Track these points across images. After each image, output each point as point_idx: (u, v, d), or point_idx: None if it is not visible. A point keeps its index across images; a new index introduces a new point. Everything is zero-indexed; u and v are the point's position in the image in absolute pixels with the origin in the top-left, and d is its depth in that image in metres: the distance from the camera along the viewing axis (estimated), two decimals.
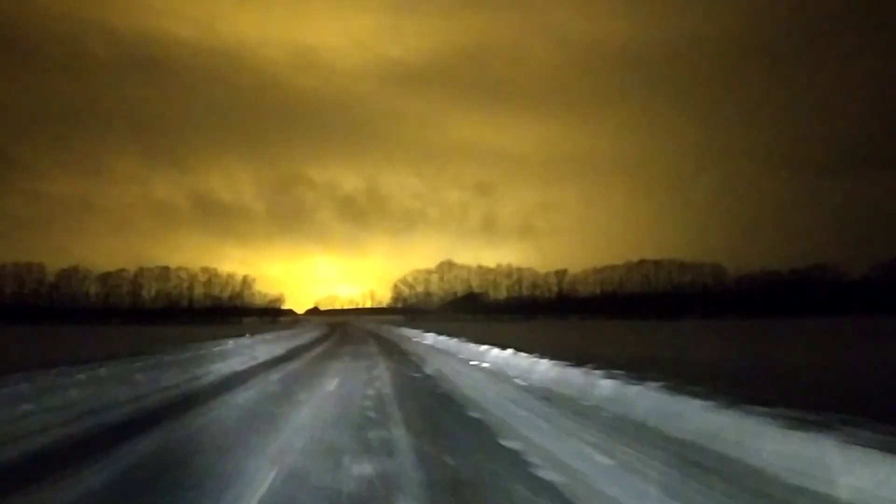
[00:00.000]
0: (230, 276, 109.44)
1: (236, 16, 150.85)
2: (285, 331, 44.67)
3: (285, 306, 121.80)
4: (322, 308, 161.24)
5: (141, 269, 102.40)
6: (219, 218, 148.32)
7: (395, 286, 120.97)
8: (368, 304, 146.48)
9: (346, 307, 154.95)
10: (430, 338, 28.10)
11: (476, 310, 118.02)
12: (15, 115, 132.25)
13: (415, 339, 31.22)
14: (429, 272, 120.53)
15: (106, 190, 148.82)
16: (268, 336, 32.94)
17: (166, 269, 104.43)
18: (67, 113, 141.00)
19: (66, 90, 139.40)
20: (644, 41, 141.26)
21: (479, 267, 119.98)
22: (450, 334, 28.49)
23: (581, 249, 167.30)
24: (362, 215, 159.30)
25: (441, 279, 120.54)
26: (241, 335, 31.74)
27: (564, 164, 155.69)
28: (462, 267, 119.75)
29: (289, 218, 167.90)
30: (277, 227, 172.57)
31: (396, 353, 22.24)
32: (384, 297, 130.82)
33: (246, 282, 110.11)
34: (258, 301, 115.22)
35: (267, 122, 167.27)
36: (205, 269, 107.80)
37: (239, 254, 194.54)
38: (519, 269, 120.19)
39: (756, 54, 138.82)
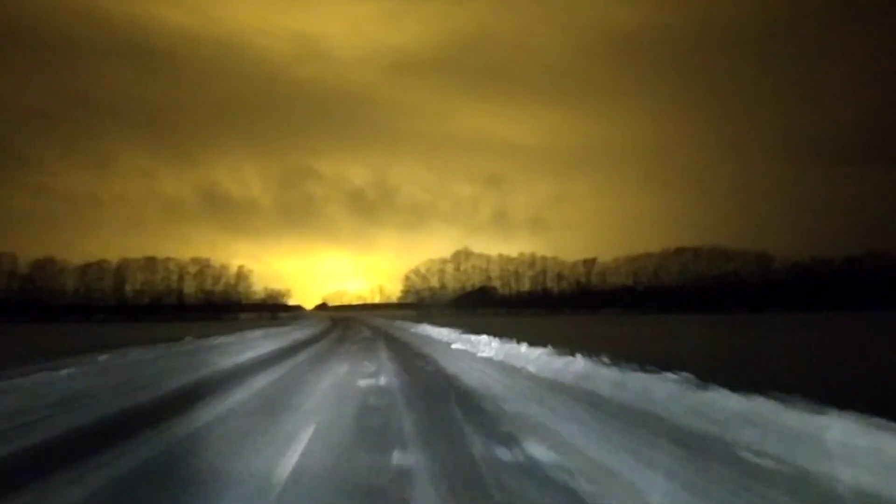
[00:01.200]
0: (224, 266, 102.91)
1: (231, 2, 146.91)
2: (280, 327, 40.11)
3: (292, 301, 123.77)
4: (330, 304, 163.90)
5: (125, 261, 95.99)
6: (227, 212, 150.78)
7: (407, 277, 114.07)
8: (377, 300, 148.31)
9: (354, 302, 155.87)
10: (482, 343, 19.09)
11: (495, 303, 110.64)
12: (17, 109, 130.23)
13: (457, 346, 21.15)
14: (443, 262, 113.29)
15: (113, 185, 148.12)
16: (257, 333, 29.78)
17: (152, 259, 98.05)
18: (69, 106, 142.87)
19: (64, 82, 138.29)
20: (654, 25, 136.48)
21: (500, 256, 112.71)
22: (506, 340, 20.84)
23: (610, 237, 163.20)
24: (371, 209, 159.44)
25: (457, 269, 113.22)
26: (217, 334, 25.63)
27: (578, 154, 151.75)
28: (480, 256, 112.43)
29: (297, 212, 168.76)
30: (285, 221, 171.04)
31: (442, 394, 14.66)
32: (393, 291, 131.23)
33: (241, 273, 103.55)
34: (257, 294, 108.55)
35: (270, 114, 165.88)
36: (195, 260, 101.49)
37: (247, 248, 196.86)
38: (543, 259, 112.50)
39: (782, 36, 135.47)
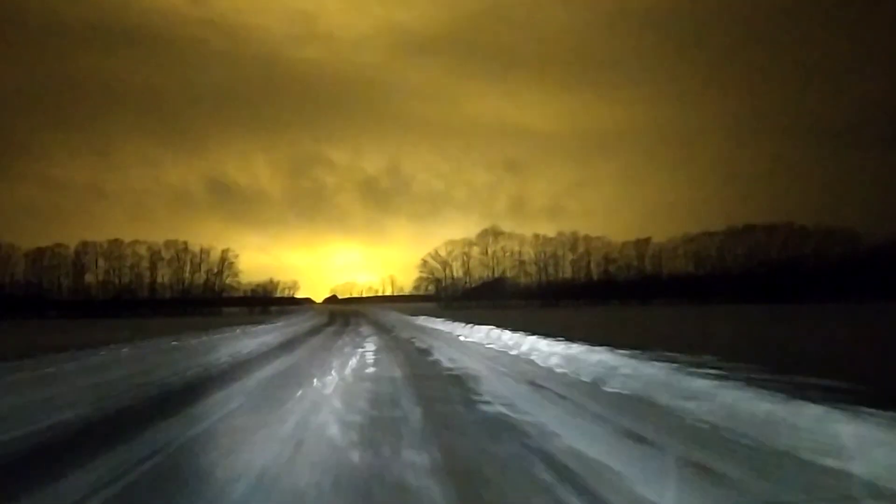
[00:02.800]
0: (204, 251, 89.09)
1: None
2: (260, 326, 33.16)
3: (301, 294, 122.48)
4: (340, 296, 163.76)
5: (83, 245, 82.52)
6: (235, 202, 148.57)
7: (424, 262, 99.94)
8: (389, 291, 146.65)
9: (364, 294, 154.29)
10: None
11: (527, 294, 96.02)
12: (16, 96, 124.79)
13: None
14: (468, 244, 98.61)
15: (118, 174, 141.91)
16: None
17: (117, 243, 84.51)
18: (67, 92, 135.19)
19: (59, 67, 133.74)
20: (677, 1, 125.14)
21: (535, 237, 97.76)
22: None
23: (664, 215, 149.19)
24: (383, 198, 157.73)
25: (483, 252, 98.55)
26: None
27: (600, 138, 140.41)
28: (511, 236, 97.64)
29: (305, 201, 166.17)
30: (294, 211, 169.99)
31: None
32: (406, 283, 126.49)
33: (226, 259, 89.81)
34: (246, 284, 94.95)
35: (274, 99, 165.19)
36: (169, 244, 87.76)
37: (255, 240, 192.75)
38: (587, 238, 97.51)
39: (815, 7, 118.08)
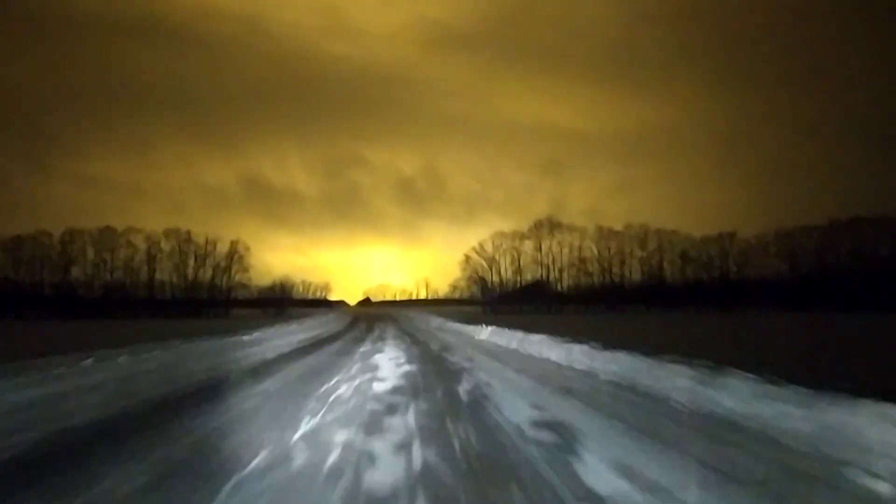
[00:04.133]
0: (210, 242, 78.26)
1: None
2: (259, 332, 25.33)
3: (334, 296, 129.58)
4: (374, 299, 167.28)
5: (70, 234, 72.17)
6: (270, 202, 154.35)
7: (467, 258, 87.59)
8: (423, 295, 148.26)
9: (398, 297, 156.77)
10: None
11: (587, 297, 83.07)
12: (48, 91, 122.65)
13: None
14: (519, 237, 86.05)
15: (153, 172, 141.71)
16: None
17: (109, 231, 73.94)
18: (100, 88, 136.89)
19: (89, 63, 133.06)
20: None
21: (599, 229, 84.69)
22: None
23: (749, 205, 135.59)
24: (419, 199, 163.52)
25: (536, 248, 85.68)
26: None
27: (643, 139, 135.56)
28: (571, 229, 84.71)
29: (341, 202, 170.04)
30: (329, 212, 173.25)
31: None
32: (440, 286, 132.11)
33: (235, 252, 78.75)
34: (259, 281, 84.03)
35: (306, 96, 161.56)
36: (170, 233, 77.05)
37: (291, 241, 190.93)
38: (660, 233, 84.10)
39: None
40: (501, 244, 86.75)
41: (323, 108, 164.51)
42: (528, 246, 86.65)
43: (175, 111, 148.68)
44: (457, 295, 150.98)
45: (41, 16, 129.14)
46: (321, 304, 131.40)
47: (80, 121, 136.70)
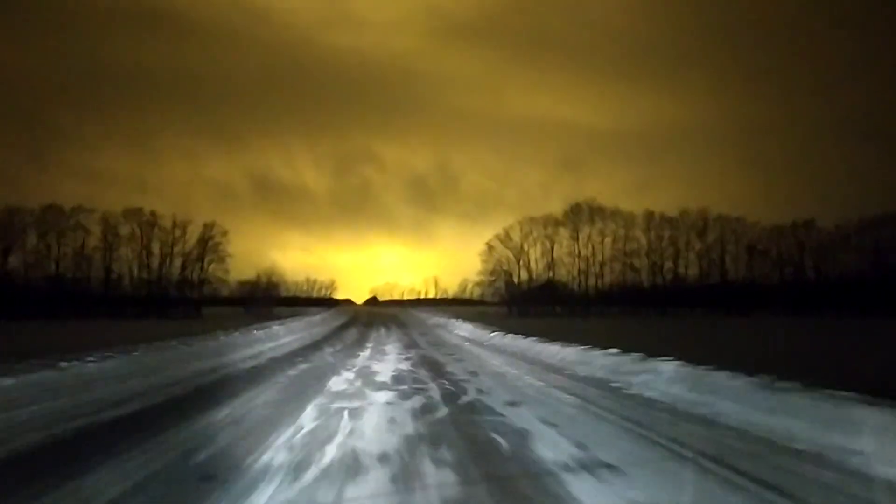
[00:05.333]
0: (179, 225, 65.81)
1: None
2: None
3: (341, 294, 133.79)
4: (381, 298, 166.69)
5: (7, 213, 59.79)
6: (279, 200, 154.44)
7: (489, 249, 74.80)
8: (432, 294, 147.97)
9: (406, 297, 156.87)
10: None
11: (633, 297, 70.31)
12: (49, 84, 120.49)
13: None
14: (551, 223, 73.08)
15: (157, 167, 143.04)
16: None
17: (54, 210, 61.57)
18: (102, 80, 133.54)
19: (89, 53, 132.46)
20: None
21: (648, 214, 71.85)
22: None
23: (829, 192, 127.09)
24: (430, 197, 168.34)
25: (572, 236, 72.66)
26: None
27: (663, 137, 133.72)
28: (616, 215, 71.66)
29: (350, 199, 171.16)
30: (338, 209, 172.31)
31: None
32: (450, 285, 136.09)
33: (209, 238, 66.16)
34: (240, 274, 71.71)
35: (309, 90, 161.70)
36: (130, 213, 64.54)
37: (300, 239, 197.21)
38: (721, 220, 71.14)
39: None
40: (531, 231, 73.88)
41: (330, 100, 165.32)
42: (563, 234, 73.76)
43: (178, 103, 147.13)
44: (467, 294, 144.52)
45: (39, 4, 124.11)
46: (325, 304, 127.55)
47: (80, 112, 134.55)
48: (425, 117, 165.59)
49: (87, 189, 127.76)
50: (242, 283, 74.55)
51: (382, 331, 28.04)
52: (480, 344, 20.10)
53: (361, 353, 16.59)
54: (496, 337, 20.49)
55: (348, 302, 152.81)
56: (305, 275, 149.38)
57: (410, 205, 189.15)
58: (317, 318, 46.24)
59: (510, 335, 19.76)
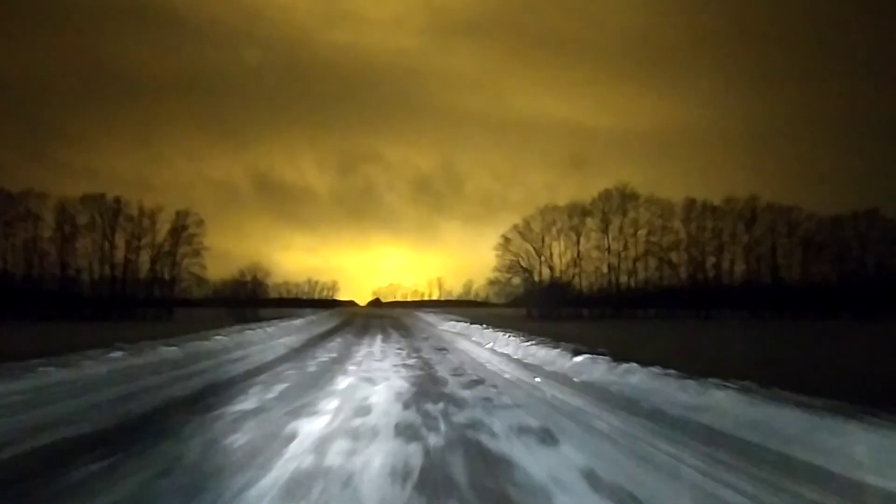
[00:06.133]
0: (148, 214, 57.55)
1: None
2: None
3: (345, 296, 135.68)
4: (384, 299, 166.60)
5: None
6: (283, 201, 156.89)
7: (505, 242, 66.05)
8: (435, 296, 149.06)
9: (409, 298, 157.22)
10: None
11: (669, 298, 62.00)
12: (48, 84, 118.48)
13: None
14: (578, 212, 64.40)
15: (159, 168, 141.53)
16: None
17: (1, 195, 53.03)
18: (101, 80, 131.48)
19: (86, 54, 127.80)
20: None
21: (688, 202, 63.32)
22: None
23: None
24: (435, 197, 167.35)
25: (601, 227, 64.20)
26: None
27: (668, 137, 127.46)
28: (652, 202, 63.22)
29: (354, 200, 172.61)
30: (342, 210, 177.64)
31: None
32: (454, 286, 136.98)
33: (184, 229, 57.77)
34: (222, 270, 63.43)
35: (308, 88, 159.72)
36: (90, 200, 56.33)
37: (303, 240, 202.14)
38: (772, 209, 62.67)
39: None
40: (555, 222, 65.09)
41: (333, 99, 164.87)
42: (591, 225, 65.04)
43: (179, 102, 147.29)
44: (472, 296, 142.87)
45: (34, 3, 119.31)
46: (327, 305, 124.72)
47: (80, 112, 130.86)
48: (428, 116, 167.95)
49: (86, 189, 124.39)
50: (225, 282, 65.89)
51: (377, 347, 19.67)
52: (592, 388, 11.82)
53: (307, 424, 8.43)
54: (590, 365, 12.00)
55: (351, 303, 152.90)
56: (308, 276, 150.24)
57: (414, 205, 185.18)
58: (299, 322, 37.89)
59: (603, 361, 11.36)
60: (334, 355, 15.99)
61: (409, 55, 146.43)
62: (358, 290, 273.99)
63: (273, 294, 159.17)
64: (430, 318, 48.04)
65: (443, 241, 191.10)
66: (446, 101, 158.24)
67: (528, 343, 16.31)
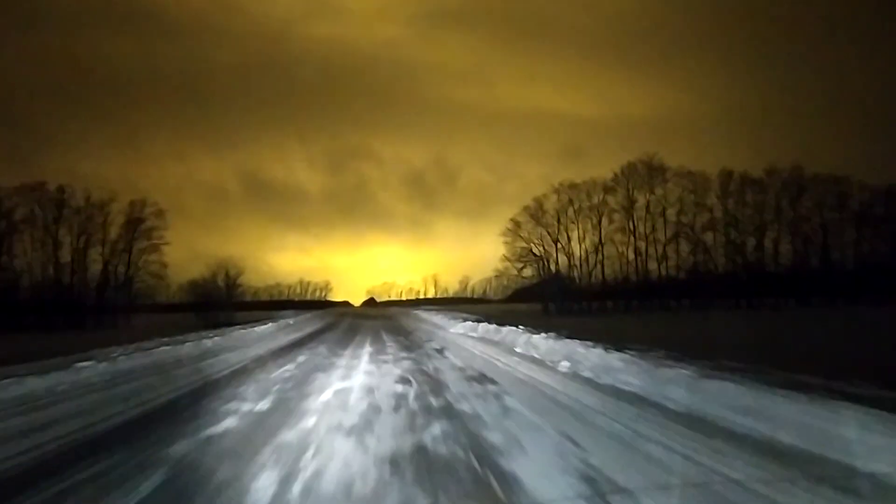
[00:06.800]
0: (97, 205, 49.18)
1: None
2: None
3: (333, 297, 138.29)
4: (378, 299, 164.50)
5: None
6: (272, 200, 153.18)
7: (515, 226, 57.94)
8: (431, 293, 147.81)
9: (404, 297, 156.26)
10: None
11: (705, 286, 54.51)
12: (30, 85, 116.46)
13: None
14: (598, 188, 56.75)
15: (146, 170, 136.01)
16: None
17: None
18: (83, 82, 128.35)
19: (65, 54, 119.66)
20: None
21: (724, 175, 55.66)
22: None
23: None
24: (428, 193, 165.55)
25: (626, 205, 56.58)
26: None
27: (664, 126, 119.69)
28: (682, 176, 55.56)
29: (346, 198, 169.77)
30: (334, 208, 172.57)
31: None
32: (450, 283, 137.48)
33: (141, 222, 49.67)
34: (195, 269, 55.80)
35: (289, 83, 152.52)
36: (27, 189, 48.19)
37: (297, 240, 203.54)
38: (818, 180, 55.18)
39: None
40: (572, 202, 57.01)
41: (319, 95, 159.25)
42: (612, 203, 57.03)
43: (163, 103, 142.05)
44: (468, 292, 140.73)
45: (7, 5, 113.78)
46: (319, 306, 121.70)
47: (63, 114, 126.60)
48: (419, 109, 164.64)
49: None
50: (193, 283, 57.73)
51: (356, 384, 11.82)
52: None
53: None
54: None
55: (345, 304, 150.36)
56: (300, 277, 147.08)
57: (408, 201, 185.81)
58: (270, 327, 30.13)
59: None
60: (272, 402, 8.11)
61: (396, 46, 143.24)
62: (352, 289, 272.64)
63: (264, 296, 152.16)
64: (433, 317, 40.07)
65: (437, 237, 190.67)
66: (437, 93, 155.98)
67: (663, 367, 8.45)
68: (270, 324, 33.35)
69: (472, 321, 26.90)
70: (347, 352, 16.55)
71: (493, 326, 21.79)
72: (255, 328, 28.78)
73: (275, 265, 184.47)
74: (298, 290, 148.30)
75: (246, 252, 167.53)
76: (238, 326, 30.83)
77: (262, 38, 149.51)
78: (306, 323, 38.69)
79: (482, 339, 19.65)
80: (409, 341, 20.15)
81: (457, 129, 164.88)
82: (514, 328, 19.70)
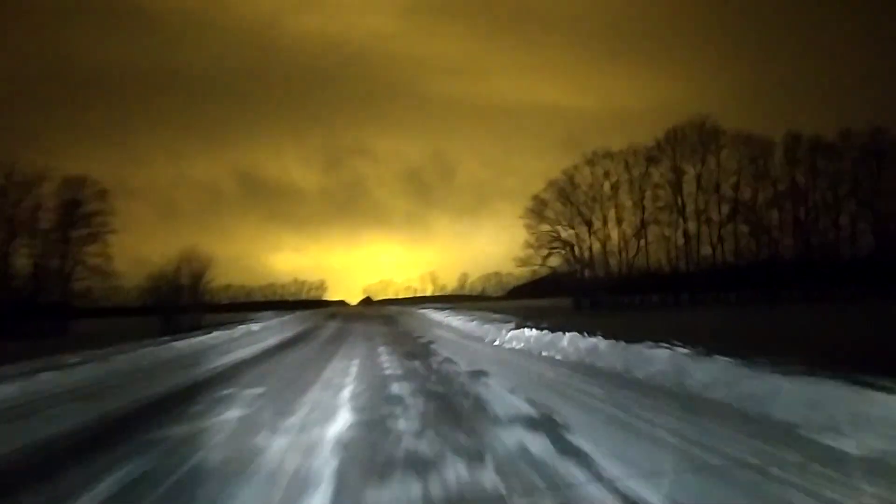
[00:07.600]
0: (23, 185, 39.82)
1: None
2: None
3: (328, 296, 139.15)
4: (375, 297, 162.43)
5: None
6: (268, 199, 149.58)
7: (537, 205, 48.34)
8: (429, 291, 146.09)
9: (401, 295, 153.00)
10: None
11: (762, 277, 45.40)
12: (12, 85, 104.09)
13: None
14: (634, 156, 47.86)
15: (138, 170, 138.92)
16: None
17: None
18: (68, 80, 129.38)
19: (48, 52, 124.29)
20: None
21: (792, 139, 46.60)
22: None
23: None
24: (424, 190, 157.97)
25: (667, 178, 47.53)
26: None
27: (661, 118, 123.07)
28: (738, 141, 46.46)
29: (342, 195, 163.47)
30: (330, 206, 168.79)
31: None
32: (448, 280, 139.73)
33: (78, 206, 40.59)
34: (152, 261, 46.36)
35: (279, 80, 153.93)
36: None
37: (293, 240, 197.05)
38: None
39: None
40: (608, 175, 47.44)
41: (313, 91, 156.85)
42: (656, 177, 47.51)
43: (153, 100, 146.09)
44: (467, 290, 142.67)
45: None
46: (315, 305, 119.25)
47: (48, 114, 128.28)
48: (414, 104, 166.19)
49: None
50: (152, 279, 48.16)
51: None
52: None
53: None
54: None
55: (341, 303, 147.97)
56: (294, 276, 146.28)
57: (404, 198, 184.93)
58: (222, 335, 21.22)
59: None
60: None
61: (389, 39, 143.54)
62: (349, 288, 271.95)
63: (258, 296, 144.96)
64: (450, 320, 30.43)
65: (435, 234, 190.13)
66: (433, 87, 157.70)
67: None
68: (221, 332, 24.17)
69: (514, 326, 17.65)
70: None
71: (569, 336, 12.59)
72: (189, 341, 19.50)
73: (270, 264, 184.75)
74: (293, 290, 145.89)
75: (241, 251, 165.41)
76: (181, 335, 21.73)
77: (251, 32, 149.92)
78: (278, 330, 29.46)
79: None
80: (416, 359, 10.92)
81: (454, 123, 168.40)
82: (611, 342, 10.55)
